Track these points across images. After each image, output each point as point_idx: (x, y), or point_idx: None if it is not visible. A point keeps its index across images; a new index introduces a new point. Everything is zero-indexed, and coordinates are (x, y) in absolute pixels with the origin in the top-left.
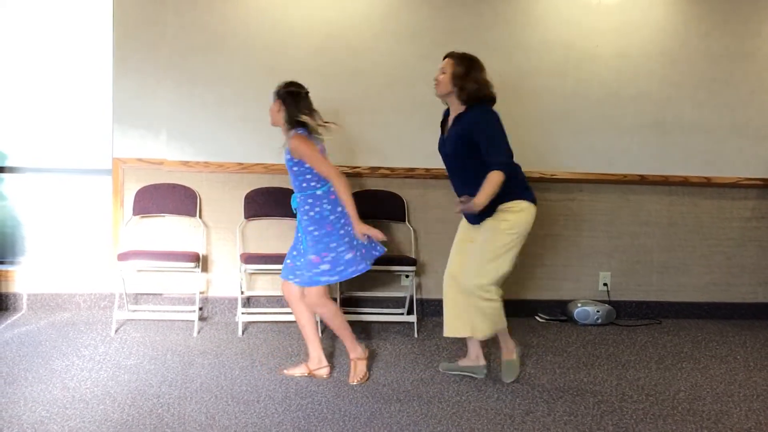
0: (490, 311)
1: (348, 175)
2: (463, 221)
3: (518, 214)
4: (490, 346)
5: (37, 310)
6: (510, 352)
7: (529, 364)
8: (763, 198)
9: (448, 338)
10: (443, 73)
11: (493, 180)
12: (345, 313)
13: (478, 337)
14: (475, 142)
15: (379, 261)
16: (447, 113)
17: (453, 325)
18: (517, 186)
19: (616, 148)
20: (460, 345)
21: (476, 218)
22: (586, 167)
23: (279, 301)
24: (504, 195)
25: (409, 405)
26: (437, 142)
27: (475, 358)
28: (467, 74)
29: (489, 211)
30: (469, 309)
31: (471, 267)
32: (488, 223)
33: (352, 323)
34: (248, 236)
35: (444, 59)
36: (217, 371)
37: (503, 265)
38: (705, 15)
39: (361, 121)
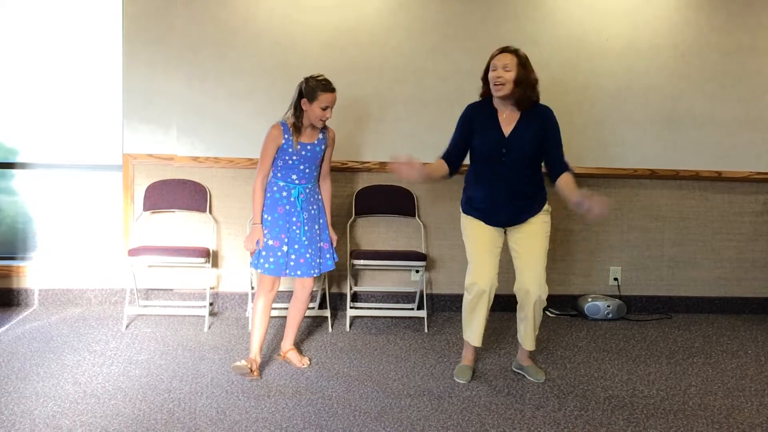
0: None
1: (357, 170)
2: (478, 222)
3: (549, 215)
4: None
5: (49, 305)
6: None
7: (540, 360)
8: None
9: (456, 330)
10: (507, 71)
11: (573, 181)
12: (354, 308)
13: (533, 347)
14: (544, 141)
15: (388, 256)
16: (478, 110)
17: (483, 333)
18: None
19: (626, 142)
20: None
21: (517, 216)
22: (596, 162)
23: (289, 296)
24: (545, 194)
25: (419, 400)
26: (449, 138)
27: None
28: (530, 75)
29: (537, 208)
30: (529, 320)
31: (539, 275)
32: (537, 223)
33: (361, 318)
34: None
35: (502, 53)
36: (228, 366)
37: None
38: (717, 8)
39: (370, 116)
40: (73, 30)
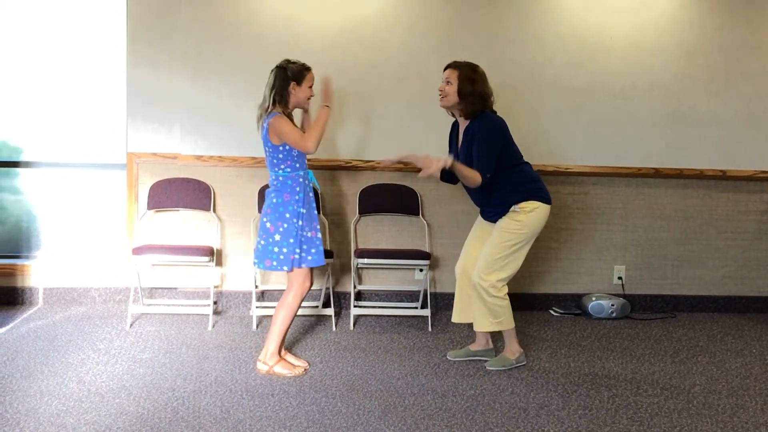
0: (496, 308)
1: (361, 168)
2: (480, 217)
3: (529, 215)
4: (498, 334)
5: (53, 304)
6: (512, 353)
7: (544, 358)
8: None
9: (460, 329)
10: (449, 83)
11: (475, 177)
12: (358, 307)
13: (480, 329)
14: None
15: (393, 255)
16: (455, 126)
17: (461, 313)
18: (530, 186)
19: (630, 141)
20: (472, 335)
21: (492, 216)
22: (600, 160)
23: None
24: (517, 195)
25: (423, 398)
26: (448, 136)
27: (484, 343)
28: (474, 88)
29: (503, 209)
30: (477, 302)
31: (481, 263)
32: (501, 222)
33: (365, 317)
34: None
35: (446, 69)
36: (232, 365)
37: (512, 263)
38: (720, 6)
39: (374, 115)
40: (77, 29)
